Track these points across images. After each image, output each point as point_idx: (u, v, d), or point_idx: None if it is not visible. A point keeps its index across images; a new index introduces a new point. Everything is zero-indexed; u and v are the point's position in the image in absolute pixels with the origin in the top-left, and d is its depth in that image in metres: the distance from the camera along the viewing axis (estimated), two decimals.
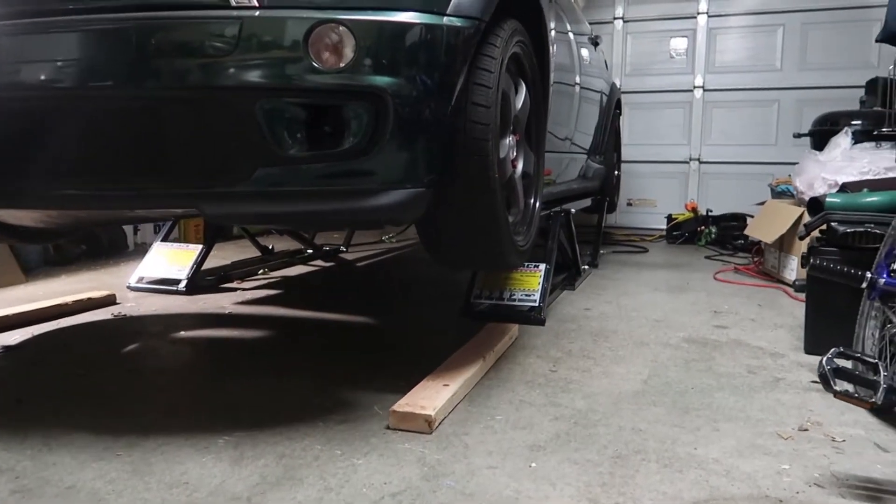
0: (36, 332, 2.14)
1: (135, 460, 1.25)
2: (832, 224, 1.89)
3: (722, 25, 5.17)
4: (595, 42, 3.38)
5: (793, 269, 2.99)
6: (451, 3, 1.39)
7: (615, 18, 5.42)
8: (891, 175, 2.74)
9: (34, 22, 1.37)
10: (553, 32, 2.20)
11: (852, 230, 1.84)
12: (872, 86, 4.17)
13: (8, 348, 1.97)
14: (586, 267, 3.31)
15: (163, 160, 1.35)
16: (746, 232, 3.38)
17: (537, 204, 1.95)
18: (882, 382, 1.12)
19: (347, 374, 1.75)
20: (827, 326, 1.91)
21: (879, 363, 1.19)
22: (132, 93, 1.32)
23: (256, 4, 1.31)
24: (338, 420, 1.44)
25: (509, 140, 1.72)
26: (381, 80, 1.30)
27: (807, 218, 2.84)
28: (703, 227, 4.56)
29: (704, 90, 5.22)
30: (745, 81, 5.12)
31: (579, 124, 2.96)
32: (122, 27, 1.31)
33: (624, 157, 4.94)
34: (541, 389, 1.64)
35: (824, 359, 1.16)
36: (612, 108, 3.84)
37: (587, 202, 3.52)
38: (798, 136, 3.96)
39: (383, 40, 1.31)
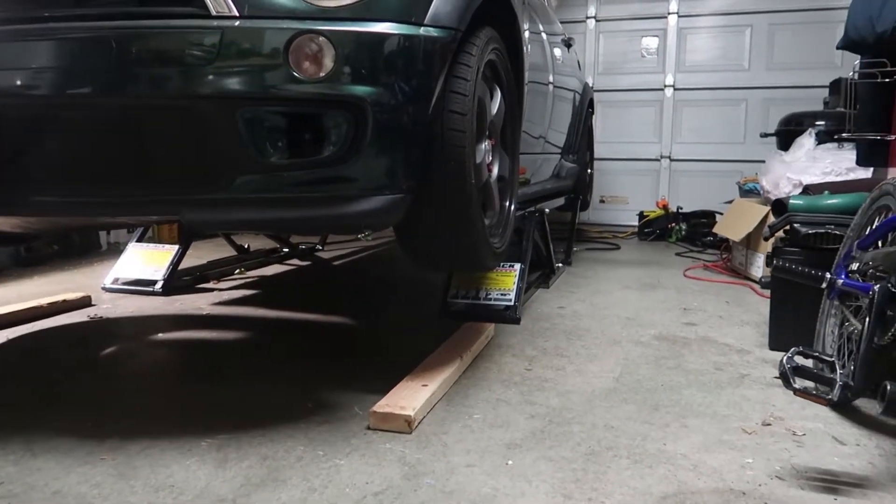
0: (10, 336, 2.14)
1: (119, 464, 1.27)
2: (795, 225, 1.96)
3: (692, 25, 5.26)
4: (568, 44, 3.44)
5: (759, 267, 3.08)
6: (429, 13, 1.43)
7: (587, 18, 5.49)
8: (851, 176, 2.85)
9: (14, 29, 1.38)
10: (527, 34, 2.25)
11: (814, 231, 1.92)
12: (836, 86, 4.29)
13: None
14: (560, 265, 3.37)
15: (144, 167, 1.36)
16: (715, 230, 3.48)
17: (512, 207, 2.00)
18: (838, 380, 1.19)
19: (327, 375, 1.78)
20: (790, 324, 1.99)
21: (836, 361, 1.26)
22: (113, 101, 1.34)
23: (236, 14, 1.33)
24: (319, 421, 1.47)
25: (485, 145, 1.76)
26: (361, 90, 1.33)
27: (772, 218, 2.94)
28: (673, 224, 4.66)
29: (675, 89, 5.32)
30: (714, 81, 5.22)
31: (553, 124, 3.01)
32: (103, 35, 1.33)
33: (596, 154, 5.02)
34: (517, 388, 1.69)
35: (784, 357, 1.22)
36: (585, 108, 3.90)
37: (561, 201, 3.57)
38: (765, 135, 4.07)
39: (362, 50, 1.34)
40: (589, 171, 4.40)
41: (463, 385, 1.70)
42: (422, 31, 1.41)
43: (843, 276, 1.57)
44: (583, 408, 1.57)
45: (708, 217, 4.63)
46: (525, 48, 2.04)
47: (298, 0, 1.34)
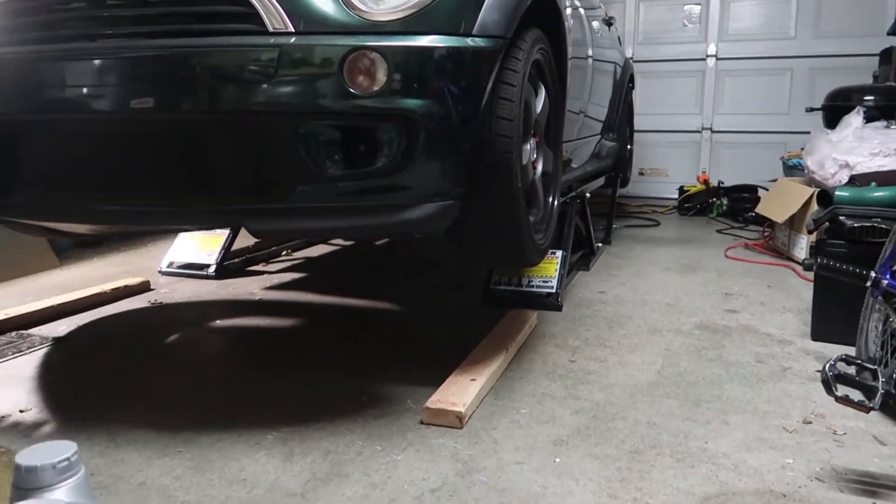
0: (80, 322, 2.27)
1: (195, 456, 1.38)
2: (840, 218, 1.96)
3: None
4: (609, 22, 3.40)
5: (802, 248, 3.07)
6: (477, 23, 1.46)
7: None
8: None
9: (79, 47, 1.46)
10: (569, 21, 2.24)
11: (859, 225, 1.92)
12: (887, 56, 4.17)
13: (58, 339, 2.09)
14: (600, 244, 3.39)
15: (207, 179, 1.44)
16: (757, 210, 3.45)
17: (555, 203, 2.03)
18: (880, 388, 1.22)
19: (377, 364, 1.87)
20: (833, 315, 2.01)
21: (879, 369, 1.29)
22: (175, 116, 1.41)
23: (292, 30, 1.38)
24: (375, 415, 1.56)
25: (530, 144, 1.80)
26: (412, 103, 1.38)
27: (816, 206, 2.92)
28: (714, 199, 4.62)
29: (717, 59, 5.20)
30: (758, 50, 5.09)
31: (592, 105, 2.99)
32: (165, 54, 1.39)
33: (636, 126, 4.96)
34: (561, 381, 1.75)
35: (827, 364, 1.25)
36: (625, 84, 3.87)
37: (601, 181, 3.58)
38: (810, 110, 3.99)
39: (413, 64, 1.38)
40: (629, 147, 4.37)
41: (509, 378, 1.77)
42: (470, 41, 1.44)
43: (888, 276, 1.58)
44: (626, 402, 1.63)
45: (750, 191, 4.58)
46: (568, 44, 2.05)
47: (351, 15, 1.39)
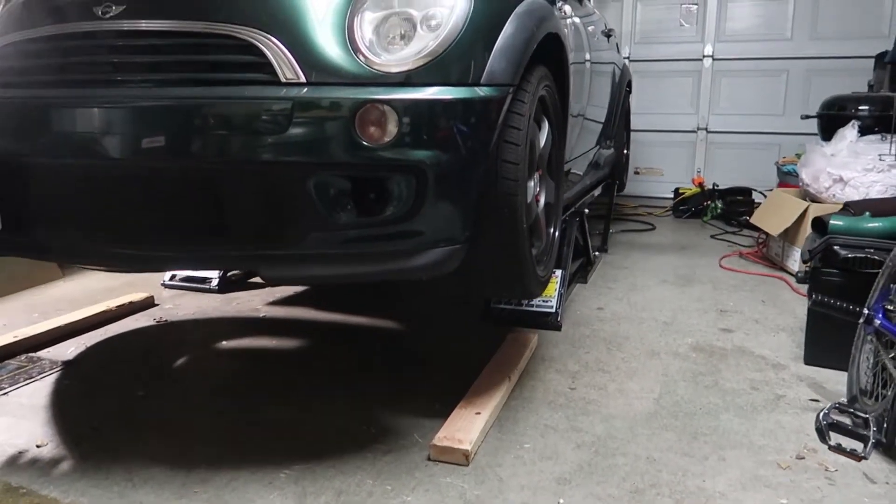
0: (88, 343, 2.31)
1: (211, 497, 1.43)
2: (834, 247, 2.01)
3: None
4: (608, 34, 3.42)
5: (796, 260, 3.12)
6: (485, 73, 1.48)
7: None
8: (893, 172, 2.84)
9: (89, 93, 1.48)
10: (572, 59, 2.25)
11: (853, 255, 1.97)
12: (881, 60, 4.20)
13: (67, 364, 2.13)
14: (597, 253, 3.44)
15: (221, 226, 1.47)
16: (752, 220, 3.50)
17: (556, 233, 2.07)
18: (871, 438, 1.28)
19: (383, 392, 1.92)
20: (826, 340, 2.06)
21: (870, 417, 1.35)
22: (190, 165, 1.43)
23: (304, 80, 1.41)
24: (383, 450, 1.61)
25: (534, 179, 1.83)
26: (422, 154, 1.41)
27: (812, 212, 2.97)
28: (708, 202, 4.67)
29: (714, 59, 5.23)
30: (754, 50, 5.12)
31: (589, 116, 3.01)
32: (177, 104, 1.42)
33: (632, 125, 4.99)
34: (562, 411, 1.81)
35: (821, 413, 1.31)
36: (622, 91, 3.89)
37: (598, 191, 3.61)
38: (806, 117, 4.02)
39: (423, 116, 1.41)
40: (625, 151, 4.40)
41: (512, 408, 1.82)
42: (479, 91, 1.47)
43: (880, 315, 1.63)
44: (626, 436, 1.68)
45: (744, 194, 4.63)
46: (571, 77, 2.07)
47: (362, 66, 1.41)
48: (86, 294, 2.87)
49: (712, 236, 4.12)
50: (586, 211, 2.96)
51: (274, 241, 1.45)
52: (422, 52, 1.43)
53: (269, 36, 1.41)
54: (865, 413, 1.41)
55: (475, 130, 1.47)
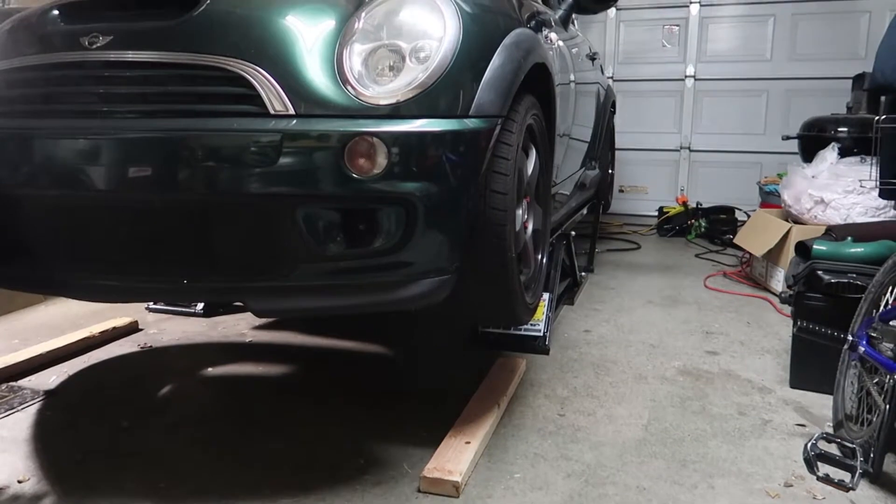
0: (70, 371, 2.27)
1: None
2: (818, 272, 2.04)
3: (714, 15, 5.23)
4: (593, 58, 3.46)
5: (779, 281, 3.16)
6: (473, 105, 1.49)
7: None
8: (873, 195, 2.88)
9: (76, 124, 1.47)
10: (557, 81, 2.27)
11: (836, 280, 1.99)
12: (860, 81, 4.28)
13: (49, 393, 2.09)
14: (583, 274, 3.46)
15: (209, 258, 1.46)
16: (736, 241, 3.54)
17: (544, 259, 2.08)
18: (858, 468, 1.29)
19: (372, 423, 1.90)
20: (810, 363, 2.08)
21: (857, 447, 1.36)
22: (178, 197, 1.42)
23: (293, 112, 1.41)
24: (372, 482, 1.59)
25: (522, 207, 1.84)
26: (411, 186, 1.41)
27: (794, 233, 3.01)
28: (693, 221, 4.72)
29: (696, 79, 5.31)
30: (735, 71, 5.21)
31: (574, 143, 3.03)
32: (165, 136, 1.40)
33: (617, 144, 5.04)
34: (552, 439, 1.80)
35: (809, 444, 1.32)
36: (607, 112, 3.93)
37: (584, 211, 3.64)
38: (786, 138, 4.09)
39: (413, 149, 1.41)
40: (610, 171, 4.44)
41: (501, 435, 1.82)
42: (467, 122, 1.48)
43: (864, 342, 1.65)
44: (615, 464, 1.68)
45: (727, 213, 4.69)
46: (557, 100, 2.09)
47: (351, 98, 1.42)
48: (68, 319, 2.84)
49: (697, 255, 4.16)
50: (573, 233, 2.97)
51: (262, 272, 1.45)
52: (411, 85, 1.43)
53: (257, 68, 1.41)
54: (852, 442, 1.42)
55: (464, 162, 1.47)
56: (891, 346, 1.49)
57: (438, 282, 1.52)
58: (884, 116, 2.21)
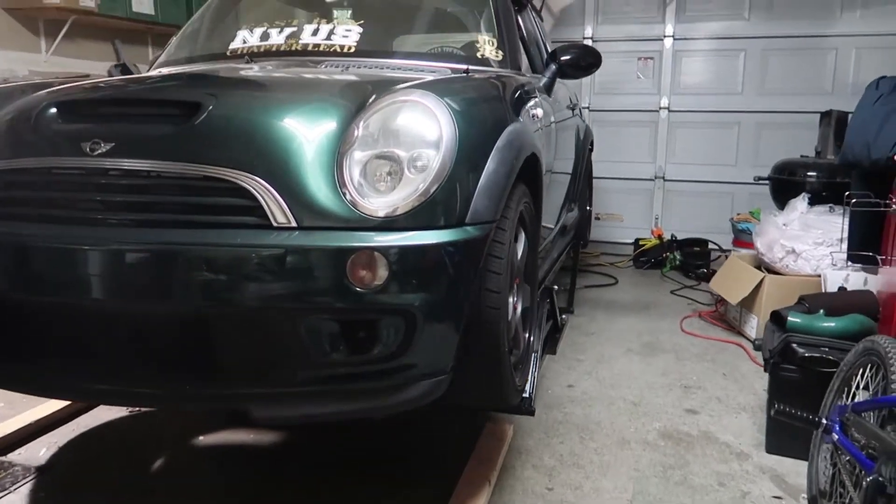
0: (59, 442, 2.27)
1: None
2: (792, 345, 2.13)
3: (687, 49, 5.35)
4: (573, 108, 3.53)
5: (752, 327, 3.26)
6: (469, 213, 1.54)
7: (584, 38, 5.53)
8: (844, 247, 3.00)
9: (86, 234, 1.47)
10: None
11: (809, 355, 2.09)
12: (826, 118, 4.43)
13: (40, 470, 2.09)
14: (564, 317, 3.53)
15: (209, 366, 1.48)
16: (711, 286, 3.65)
17: (532, 338, 2.14)
18: None
19: (368, 497, 1.95)
20: (786, 429, 2.17)
21: None
22: (180, 308, 1.45)
23: (295, 224, 1.44)
24: None
25: (513, 292, 1.90)
26: (411, 297, 1.46)
27: (767, 283, 3.11)
28: (667, 254, 4.83)
29: (669, 111, 5.43)
30: (707, 103, 5.35)
31: (553, 196, 3.08)
32: (169, 249, 1.43)
33: (594, 173, 5.11)
34: None
35: None
36: (585, 154, 4.00)
37: (563, 257, 3.70)
38: (758, 179, 4.22)
39: (412, 261, 1.45)
40: (588, 208, 4.52)
41: None
42: (464, 231, 1.52)
43: (837, 429, 1.74)
44: None
45: (701, 245, 4.81)
46: (545, 189, 2.16)
47: (352, 210, 1.45)
48: None
49: (672, 292, 4.27)
50: (555, 287, 3.04)
51: (264, 379, 1.48)
52: (411, 196, 1.47)
53: (260, 180, 1.44)
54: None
55: (462, 269, 1.52)
56: (862, 440, 1.58)
57: (436, 382, 1.56)
58: (854, 198, 2.33)
